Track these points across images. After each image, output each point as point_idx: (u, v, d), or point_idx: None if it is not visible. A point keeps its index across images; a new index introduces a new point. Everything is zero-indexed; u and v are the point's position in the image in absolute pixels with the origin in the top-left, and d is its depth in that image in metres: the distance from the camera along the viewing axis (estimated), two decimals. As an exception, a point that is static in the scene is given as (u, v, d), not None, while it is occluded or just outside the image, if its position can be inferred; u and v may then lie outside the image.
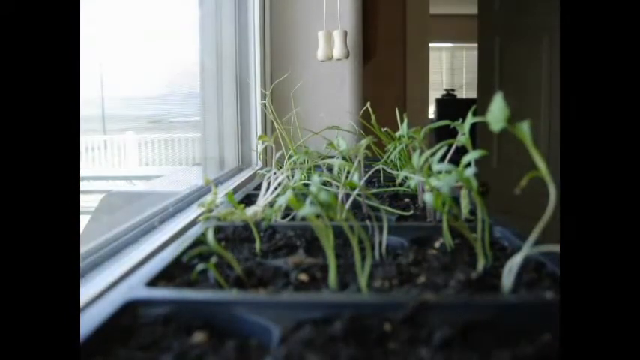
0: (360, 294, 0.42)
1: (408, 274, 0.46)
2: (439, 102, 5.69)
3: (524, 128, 0.38)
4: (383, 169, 0.95)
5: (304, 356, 0.31)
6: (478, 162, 0.49)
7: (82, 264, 0.58)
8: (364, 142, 0.64)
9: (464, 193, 0.65)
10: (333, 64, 1.48)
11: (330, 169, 0.81)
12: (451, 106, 5.41)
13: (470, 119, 0.59)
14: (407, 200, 0.81)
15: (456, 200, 0.68)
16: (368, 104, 1.01)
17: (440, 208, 0.44)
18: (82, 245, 0.61)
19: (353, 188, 0.63)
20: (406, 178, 0.80)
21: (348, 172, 0.66)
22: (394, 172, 0.91)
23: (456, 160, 0.52)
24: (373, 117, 0.96)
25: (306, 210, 0.40)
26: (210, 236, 0.43)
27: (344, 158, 0.76)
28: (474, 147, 0.55)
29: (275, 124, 0.99)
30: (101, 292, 0.50)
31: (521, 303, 0.39)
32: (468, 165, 0.48)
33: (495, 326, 0.35)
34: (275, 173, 0.74)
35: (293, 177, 0.73)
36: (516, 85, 2.75)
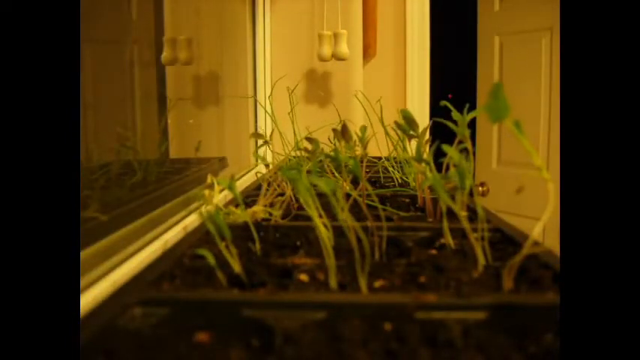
0: (360, 294, 0.42)
1: (408, 274, 0.46)
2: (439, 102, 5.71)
3: (517, 126, 0.38)
4: (382, 168, 0.95)
5: (304, 356, 0.31)
6: (478, 162, 0.49)
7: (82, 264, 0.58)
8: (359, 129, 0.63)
9: (458, 194, 0.65)
10: (333, 64, 1.48)
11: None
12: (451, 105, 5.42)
13: (466, 115, 0.59)
14: (407, 200, 0.81)
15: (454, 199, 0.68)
16: (366, 105, 1.02)
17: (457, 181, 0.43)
18: (82, 245, 0.61)
19: (355, 184, 0.62)
20: (405, 174, 0.80)
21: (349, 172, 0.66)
22: (390, 160, 0.91)
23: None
24: (373, 117, 0.97)
25: (292, 173, 0.40)
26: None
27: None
28: (474, 147, 0.55)
29: (273, 123, 0.99)
30: (101, 293, 0.50)
31: (521, 303, 0.39)
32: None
33: (495, 326, 0.35)
34: (276, 173, 0.74)
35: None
36: (516, 85, 2.75)
